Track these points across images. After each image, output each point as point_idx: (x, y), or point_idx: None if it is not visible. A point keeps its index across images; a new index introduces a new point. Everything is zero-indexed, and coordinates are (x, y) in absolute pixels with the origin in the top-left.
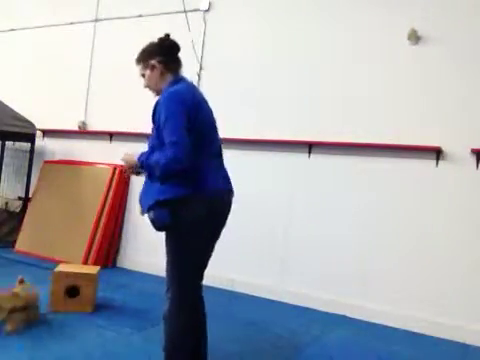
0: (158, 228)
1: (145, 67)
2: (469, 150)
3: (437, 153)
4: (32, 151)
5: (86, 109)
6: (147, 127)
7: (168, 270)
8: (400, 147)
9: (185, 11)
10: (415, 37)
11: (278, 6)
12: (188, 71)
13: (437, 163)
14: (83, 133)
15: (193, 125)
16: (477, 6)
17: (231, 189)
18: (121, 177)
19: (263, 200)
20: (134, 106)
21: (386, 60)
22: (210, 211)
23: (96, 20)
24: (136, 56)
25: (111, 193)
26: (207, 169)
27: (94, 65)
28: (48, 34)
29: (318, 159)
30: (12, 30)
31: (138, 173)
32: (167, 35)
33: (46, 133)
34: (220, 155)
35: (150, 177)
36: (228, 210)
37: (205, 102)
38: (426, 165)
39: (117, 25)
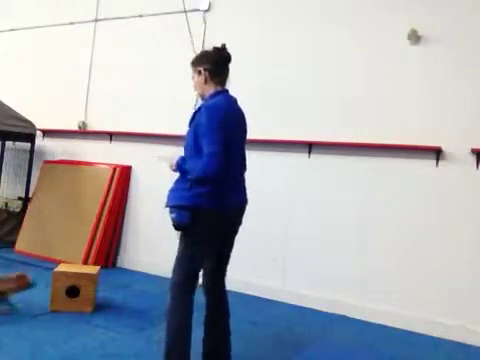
0: (175, 227)
1: (194, 71)
2: (469, 150)
3: (437, 153)
4: (32, 151)
5: (86, 109)
6: (147, 127)
7: (176, 266)
8: (400, 147)
9: (185, 11)
10: (415, 37)
11: (278, 6)
12: (188, 70)
13: (437, 163)
14: (83, 133)
15: (225, 138)
16: (477, 6)
17: (246, 200)
18: (121, 177)
19: (263, 200)
20: (134, 106)
21: (386, 60)
22: (225, 222)
23: (96, 20)
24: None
25: (111, 193)
26: (232, 183)
27: (94, 65)
28: (48, 34)
29: (318, 159)
30: (12, 30)
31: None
32: (223, 45)
33: (46, 133)
34: (244, 166)
35: (183, 177)
36: (240, 219)
37: (238, 115)
38: (426, 165)
39: (117, 25)
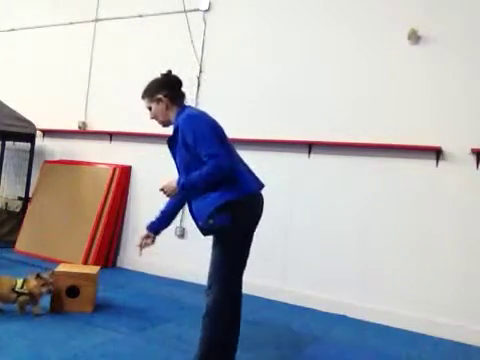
0: (217, 232)
1: (151, 101)
2: (469, 150)
3: (437, 153)
4: (32, 151)
5: (86, 109)
6: (147, 127)
7: (216, 268)
8: (400, 147)
9: (185, 11)
10: (415, 37)
11: (278, 6)
12: (188, 71)
13: (437, 163)
14: (83, 133)
15: (220, 138)
16: (477, 6)
17: (263, 185)
18: (121, 177)
19: None
20: (134, 106)
21: (386, 60)
22: (254, 211)
23: (96, 20)
24: (142, 91)
25: (111, 193)
26: (243, 173)
27: (94, 65)
28: (48, 34)
29: (318, 159)
30: (12, 30)
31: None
32: (169, 71)
33: (46, 133)
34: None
35: (194, 194)
36: (261, 215)
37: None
38: (426, 165)
39: (117, 25)
